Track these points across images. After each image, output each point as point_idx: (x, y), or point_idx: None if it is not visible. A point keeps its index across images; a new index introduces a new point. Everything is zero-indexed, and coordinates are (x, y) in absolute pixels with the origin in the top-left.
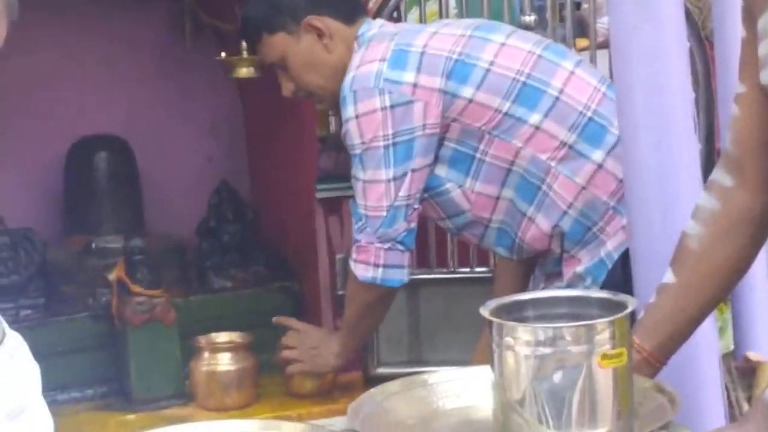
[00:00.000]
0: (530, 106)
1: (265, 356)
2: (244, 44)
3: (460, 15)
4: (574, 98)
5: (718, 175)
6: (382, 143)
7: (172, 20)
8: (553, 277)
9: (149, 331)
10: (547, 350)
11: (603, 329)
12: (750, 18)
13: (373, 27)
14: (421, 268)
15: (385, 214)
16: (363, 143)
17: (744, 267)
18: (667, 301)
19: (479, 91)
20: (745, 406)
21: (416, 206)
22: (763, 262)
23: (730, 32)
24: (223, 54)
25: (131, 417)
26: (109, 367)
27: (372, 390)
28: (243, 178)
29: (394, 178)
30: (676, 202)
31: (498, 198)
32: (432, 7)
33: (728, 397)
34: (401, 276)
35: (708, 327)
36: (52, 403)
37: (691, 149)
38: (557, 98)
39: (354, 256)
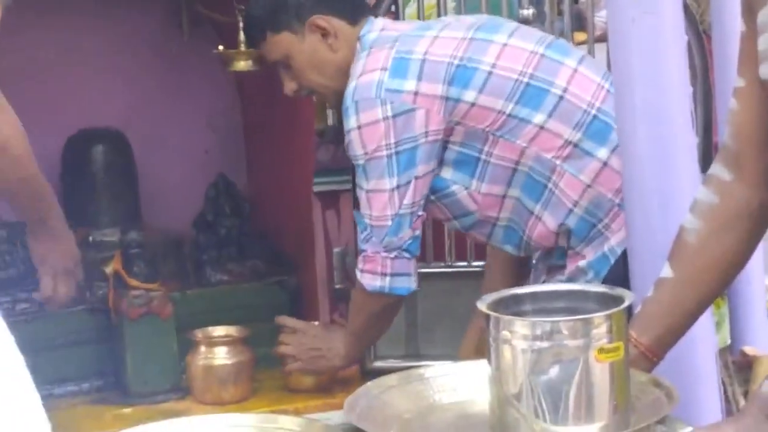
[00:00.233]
0: (534, 106)
1: (262, 350)
2: (241, 37)
3: (458, 9)
4: (578, 96)
5: (717, 169)
6: (385, 153)
7: (170, 13)
8: (555, 270)
9: (146, 324)
10: (544, 344)
11: (600, 323)
12: (749, 12)
13: (374, 29)
14: (419, 262)
15: (390, 223)
16: (366, 153)
17: (742, 261)
18: (664, 296)
19: (482, 94)
20: (742, 401)
21: (420, 213)
22: (760, 257)
23: (729, 26)
24: (220, 47)
25: (128, 411)
26: (105, 360)
27: (369, 384)
28: (240, 172)
29: (398, 187)
30: (673, 195)
31: (504, 197)
32: (430, 1)
33: (725, 391)
34: (408, 284)
35: (705, 321)
36: (48, 397)
37: (689, 143)
38: (561, 97)
39: (360, 266)
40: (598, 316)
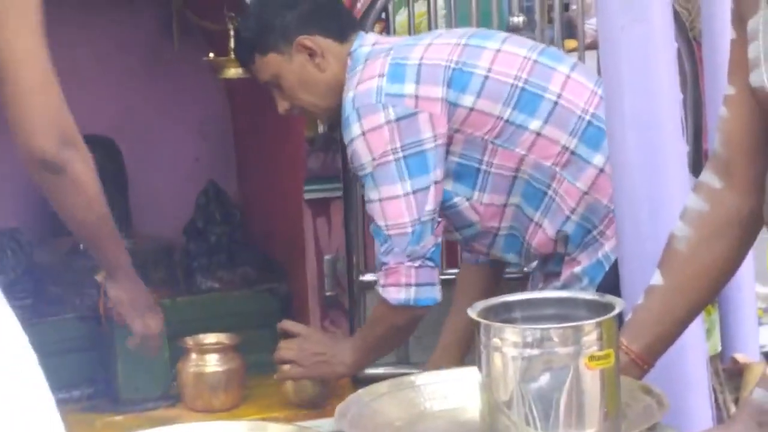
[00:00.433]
0: (530, 111)
1: (253, 357)
2: (232, 45)
3: (449, 16)
4: (572, 102)
5: (707, 176)
6: (392, 157)
7: (160, 21)
8: (552, 276)
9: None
10: (534, 351)
11: (590, 331)
12: (739, 19)
13: (365, 43)
14: None
15: (410, 230)
16: (373, 159)
17: (732, 269)
18: (654, 303)
19: (480, 98)
20: (733, 408)
21: (439, 219)
22: (751, 265)
23: (719, 33)
24: (211, 54)
25: (118, 418)
26: (96, 368)
27: (360, 391)
28: (231, 179)
29: (414, 192)
30: (663, 203)
31: (505, 206)
32: (420, 8)
33: (715, 398)
34: (434, 294)
35: (695, 329)
36: None
37: (679, 150)
38: (556, 103)
39: (382, 281)
40: (589, 324)
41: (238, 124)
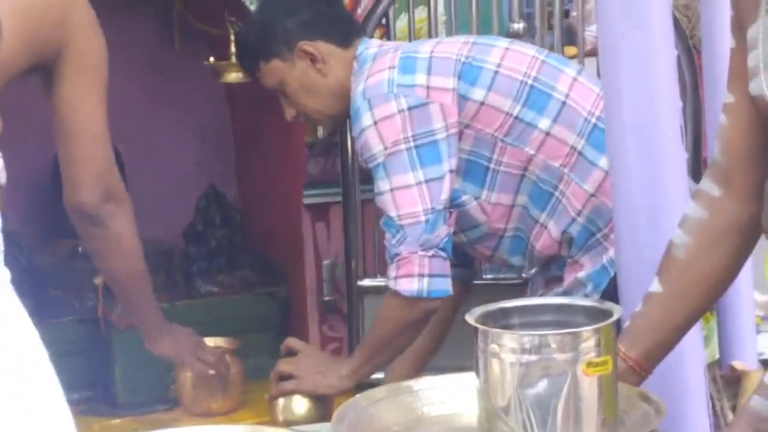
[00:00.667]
0: (539, 109)
1: (252, 361)
2: (232, 49)
3: (449, 22)
4: (579, 104)
5: (706, 184)
6: (404, 146)
7: (161, 25)
8: (553, 282)
9: (135, 335)
10: (532, 358)
11: (588, 337)
12: (739, 28)
13: (371, 46)
14: None
15: (424, 218)
16: (385, 148)
17: (731, 276)
18: (653, 310)
19: (490, 92)
20: (730, 415)
21: (451, 210)
22: (749, 272)
23: (719, 41)
24: (211, 59)
25: (116, 421)
26: (94, 371)
27: (358, 396)
28: (230, 183)
29: (426, 181)
30: (662, 210)
31: (512, 206)
32: (420, 14)
33: (713, 406)
34: (446, 286)
35: (693, 336)
36: None
37: (678, 158)
38: (564, 103)
39: (394, 273)
40: (587, 330)
41: (239, 128)
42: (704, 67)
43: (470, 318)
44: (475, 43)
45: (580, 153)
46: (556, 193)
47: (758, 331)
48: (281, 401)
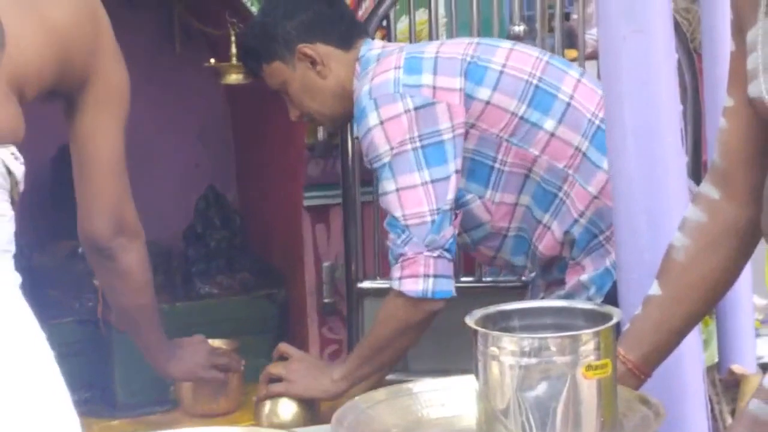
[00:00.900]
0: (544, 110)
1: (250, 363)
2: (233, 50)
3: (450, 24)
4: (583, 105)
5: (705, 187)
6: (410, 146)
7: (162, 26)
8: (554, 285)
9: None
10: (532, 360)
11: (588, 340)
12: (739, 31)
13: (374, 47)
14: None
15: (430, 219)
16: (392, 148)
17: (730, 279)
18: (652, 313)
19: (496, 92)
20: (729, 419)
21: (457, 211)
22: (748, 276)
23: (719, 45)
24: (212, 60)
25: (115, 423)
26: (93, 372)
27: (357, 398)
28: (230, 185)
29: (432, 181)
30: (662, 214)
31: (516, 205)
32: (421, 16)
33: (712, 409)
34: (450, 288)
35: (693, 340)
36: None
37: (679, 161)
38: (569, 104)
39: (399, 273)
40: (586, 333)
41: (239, 129)
42: (705, 70)
43: (470, 320)
44: (480, 43)
45: (584, 154)
46: (560, 194)
47: (757, 335)
48: (268, 404)
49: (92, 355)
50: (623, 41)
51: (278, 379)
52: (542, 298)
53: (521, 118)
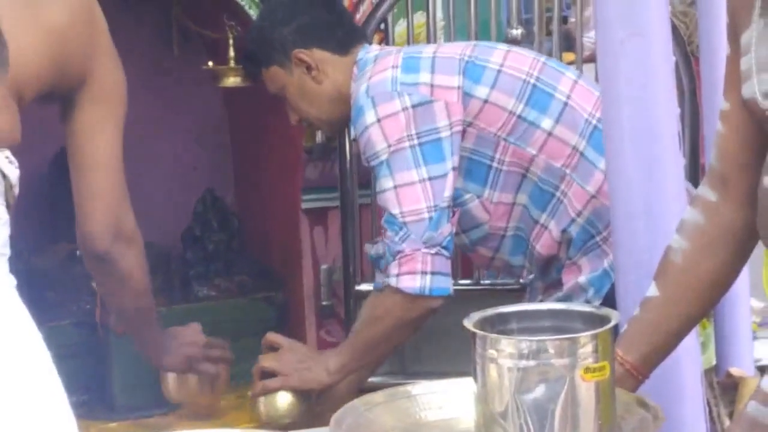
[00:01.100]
0: (541, 109)
1: (248, 366)
2: (231, 53)
3: (447, 27)
4: (580, 105)
5: (703, 190)
6: (407, 144)
7: (160, 29)
8: (552, 287)
9: (132, 339)
10: (530, 363)
11: (586, 343)
12: (734, 35)
13: (372, 50)
14: None
15: (427, 216)
16: (389, 146)
17: (727, 281)
18: (650, 315)
19: (494, 90)
20: (727, 422)
21: (455, 209)
22: (746, 278)
23: (717, 48)
24: (210, 63)
25: (113, 425)
26: (91, 374)
27: (355, 400)
28: (228, 187)
29: (430, 179)
30: (660, 216)
31: (513, 204)
32: (419, 20)
33: (710, 412)
34: (447, 285)
35: (691, 342)
36: None
37: (676, 164)
38: (566, 103)
39: (396, 270)
40: (585, 336)
41: (236, 132)
42: (702, 73)
43: (468, 323)
44: (477, 45)
45: (581, 154)
46: (557, 194)
47: (755, 338)
48: (263, 398)
49: (90, 358)
50: (621, 44)
51: (271, 373)
52: (541, 300)
53: (519, 117)
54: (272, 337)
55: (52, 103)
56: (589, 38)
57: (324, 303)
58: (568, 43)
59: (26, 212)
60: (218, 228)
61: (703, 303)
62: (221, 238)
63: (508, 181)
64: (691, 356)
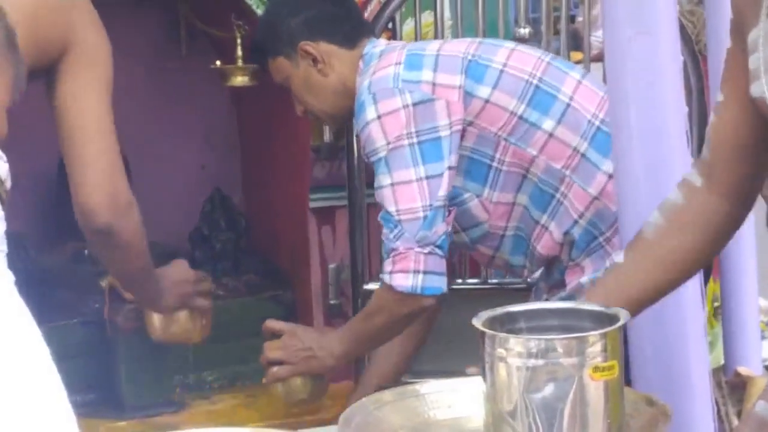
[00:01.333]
0: (543, 110)
1: (256, 364)
2: (239, 52)
3: (455, 26)
4: (583, 106)
5: (690, 174)
6: (406, 142)
7: (167, 28)
8: (556, 288)
9: (141, 337)
10: (538, 362)
11: (595, 342)
12: (737, 30)
13: (378, 45)
14: None
15: (422, 215)
16: (388, 143)
17: (694, 264)
18: (609, 280)
19: (495, 90)
20: (735, 421)
21: (450, 207)
22: (755, 277)
23: (724, 47)
24: (218, 62)
25: (121, 424)
26: (100, 373)
27: (364, 399)
28: (236, 187)
29: (427, 177)
30: None
31: (513, 204)
32: (427, 19)
33: (718, 411)
34: (440, 284)
35: (699, 341)
36: None
37: (684, 163)
38: (568, 105)
39: (390, 267)
40: (593, 335)
41: (244, 131)
42: (710, 72)
43: (477, 322)
44: (482, 43)
45: (582, 155)
46: (557, 195)
47: (763, 337)
48: (279, 386)
49: (98, 357)
50: (629, 43)
51: (278, 362)
52: (546, 300)
53: (520, 117)
54: (271, 323)
55: (36, 79)
56: (596, 37)
57: (332, 302)
58: (576, 42)
59: (35, 212)
60: (226, 227)
61: (666, 277)
62: (229, 238)
63: (508, 181)
64: (699, 355)
